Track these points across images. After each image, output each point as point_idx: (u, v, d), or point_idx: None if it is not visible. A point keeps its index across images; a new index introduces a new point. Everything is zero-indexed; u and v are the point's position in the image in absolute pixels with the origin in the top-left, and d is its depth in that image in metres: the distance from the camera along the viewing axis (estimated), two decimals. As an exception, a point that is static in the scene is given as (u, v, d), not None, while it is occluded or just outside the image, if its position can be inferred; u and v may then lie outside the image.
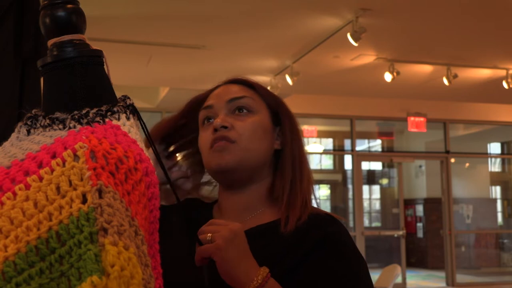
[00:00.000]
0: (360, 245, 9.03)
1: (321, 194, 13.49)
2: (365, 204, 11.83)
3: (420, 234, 12.04)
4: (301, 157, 1.17)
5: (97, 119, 0.76)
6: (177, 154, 1.28)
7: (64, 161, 0.66)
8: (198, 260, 0.95)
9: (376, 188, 13.18)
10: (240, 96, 1.15)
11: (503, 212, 12.60)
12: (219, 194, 1.19)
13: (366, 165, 12.26)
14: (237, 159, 1.09)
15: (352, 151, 9.43)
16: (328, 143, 12.27)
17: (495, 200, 12.81)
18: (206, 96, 1.20)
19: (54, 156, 0.67)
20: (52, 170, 0.65)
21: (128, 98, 0.83)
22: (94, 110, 0.77)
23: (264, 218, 1.12)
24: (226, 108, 1.14)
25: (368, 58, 5.99)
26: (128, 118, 0.79)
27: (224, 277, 0.94)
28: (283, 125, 1.18)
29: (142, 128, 0.83)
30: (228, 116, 1.13)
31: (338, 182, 12.88)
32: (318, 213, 1.14)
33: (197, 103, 1.21)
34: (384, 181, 12.94)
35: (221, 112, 1.13)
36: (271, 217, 1.12)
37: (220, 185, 1.18)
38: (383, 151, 11.80)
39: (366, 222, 11.90)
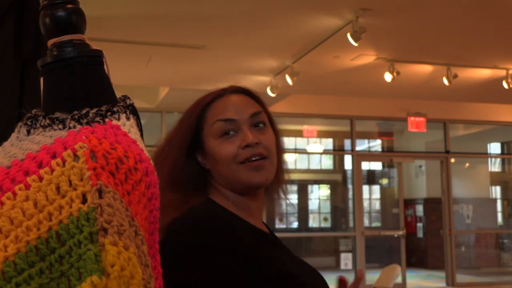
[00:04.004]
0: (360, 245, 9.04)
1: (321, 194, 13.50)
2: (365, 204, 11.83)
3: (420, 234, 12.04)
4: (282, 168, 1.29)
5: (97, 119, 0.76)
6: None
7: (64, 161, 0.66)
8: None
9: (376, 188, 13.18)
10: (259, 111, 1.21)
11: (503, 212, 12.60)
12: (235, 197, 1.21)
13: (366, 165, 12.27)
14: (272, 175, 1.19)
15: (352, 151, 9.44)
16: (328, 143, 12.27)
17: (495, 200, 12.82)
18: (207, 103, 1.22)
19: (54, 156, 0.67)
20: (52, 170, 0.65)
21: (128, 98, 0.83)
22: (94, 110, 0.77)
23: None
24: (248, 123, 1.19)
25: (368, 58, 5.99)
26: (128, 118, 0.79)
27: None
28: (276, 137, 1.27)
29: (140, 129, 0.83)
30: (253, 131, 1.18)
31: (338, 182, 12.89)
32: None
33: (201, 111, 1.23)
34: (384, 181, 12.94)
35: (244, 127, 1.18)
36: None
37: (236, 192, 1.21)
38: (383, 151, 11.81)
39: (366, 222, 11.90)
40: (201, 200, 1.19)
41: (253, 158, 1.16)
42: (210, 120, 1.19)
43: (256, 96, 1.25)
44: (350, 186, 10.85)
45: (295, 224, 13.03)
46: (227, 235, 1.09)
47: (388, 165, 12.28)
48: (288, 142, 11.53)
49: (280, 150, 1.26)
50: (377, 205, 13.28)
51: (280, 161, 1.26)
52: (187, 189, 1.20)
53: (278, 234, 1.31)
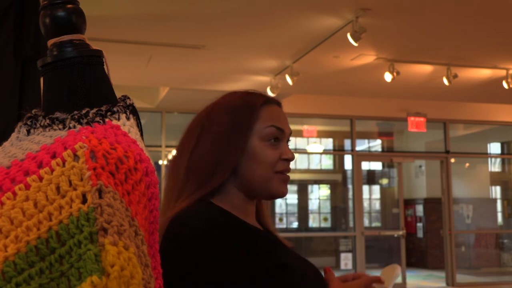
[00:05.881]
0: (360, 245, 9.04)
1: (321, 194, 13.49)
2: (365, 204, 11.83)
3: (420, 234, 12.04)
4: None
5: (97, 119, 0.76)
6: None
7: (64, 161, 0.66)
8: None
9: (376, 188, 13.17)
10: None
11: (503, 212, 12.60)
12: (240, 201, 1.24)
13: (366, 165, 12.26)
14: None
15: (352, 151, 9.44)
16: (328, 143, 12.27)
17: (495, 200, 12.81)
18: (261, 104, 1.24)
19: (54, 156, 0.67)
20: (52, 170, 0.65)
21: (128, 98, 0.83)
22: (94, 110, 0.77)
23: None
24: (287, 138, 1.27)
25: (368, 58, 5.99)
26: (128, 118, 0.79)
27: None
28: None
29: (140, 129, 0.83)
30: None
31: (338, 182, 12.88)
32: None
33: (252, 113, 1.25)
34: (384, 181, 12.94)
35: (285, 141, 1.26)
36: None
37: (246, 195, 1.25)
38: (383, 151, 11.80)
39: (366, 222, 11.90)
40: (201, 203, 1.19)
41: (286, 172, 1.24)
42: (264, 121, 1.22)
43: None
44: (350, 186, 10.85)
45: (295, 224, 13.03)
46: (231, 235, 1.13)
47: (388, 165, 12.28)
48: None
49: None
50: (377, 205, 13.28)
51: None
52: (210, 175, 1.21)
53: (278, 234, 1.33)
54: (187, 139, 1.24)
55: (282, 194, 1.24)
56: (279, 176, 1.22)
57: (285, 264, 1.12)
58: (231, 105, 1.24)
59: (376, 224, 13.24)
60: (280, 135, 1.23)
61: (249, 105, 1.23)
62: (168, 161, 8.91)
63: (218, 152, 1.19)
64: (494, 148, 12.62)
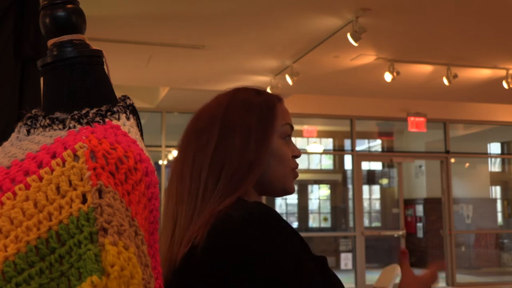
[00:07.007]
0: (360, 245, 9.04)
1: (321, 194, 13.50)
2: (365, 204, 11.83)
3: (420, 234, 12.04)
4: None
5: (97, 119, 0.76)
6: None
7: (64, 161, 0.66)
8: None
9: (376, 188, 13.18)
10: None
11: (503, 212, 12.61)
12: (253, 198, 1.20)
13: (366, 165, 12.27)
14: None
15: (352, 151, 9.44)
16: (328, 143, 12.27)
17: (495, 200, 12.82)
18: (276, 103, 1.25)
19: (54, 156, 0.67)
20: (52, 170, 0.65)
21: (128, 98, 0.83)
22: (94, 110, 0.77)
23: None
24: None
25: (368, 58, 5.99)
26: (128, 118, 0.79)
27: None
28: None
29: (140, 129, 0.83)
30: None
31: (338, 182, 12.89)
32: None
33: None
34: (384, 181, 12.94)
35: (291, 138, 1.27)
36: None
37: (257, 192, 1.22)
38: (383, 151, 11.81)
39: (366, 222, 11.90)
40: (247, 200, 1.14)
41: (296, 169, 1.25)
42: (281, 120, 1.23)
43: None
44: (350, 186, 10.86)
45: (295, 224, 13.03)
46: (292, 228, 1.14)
47: (388, 165, 12.28)
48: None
49: None
50: (377, 205, 13.28)
51: None
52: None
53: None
54: (200, 137, 1.18)
55: (293, 191, 1.25)
56: (293, 173, 1.24)
57: (325, 257, 1.14)
58: (251, 102, 1.21)
59: (376, 224, 13.24)
60: (291, 133, 1.25)
61: (269, 103, 1.22)
62: (169, 161, 8.91)
63: (249, 151, 1.15)
64: (494, 148, 12.62)
